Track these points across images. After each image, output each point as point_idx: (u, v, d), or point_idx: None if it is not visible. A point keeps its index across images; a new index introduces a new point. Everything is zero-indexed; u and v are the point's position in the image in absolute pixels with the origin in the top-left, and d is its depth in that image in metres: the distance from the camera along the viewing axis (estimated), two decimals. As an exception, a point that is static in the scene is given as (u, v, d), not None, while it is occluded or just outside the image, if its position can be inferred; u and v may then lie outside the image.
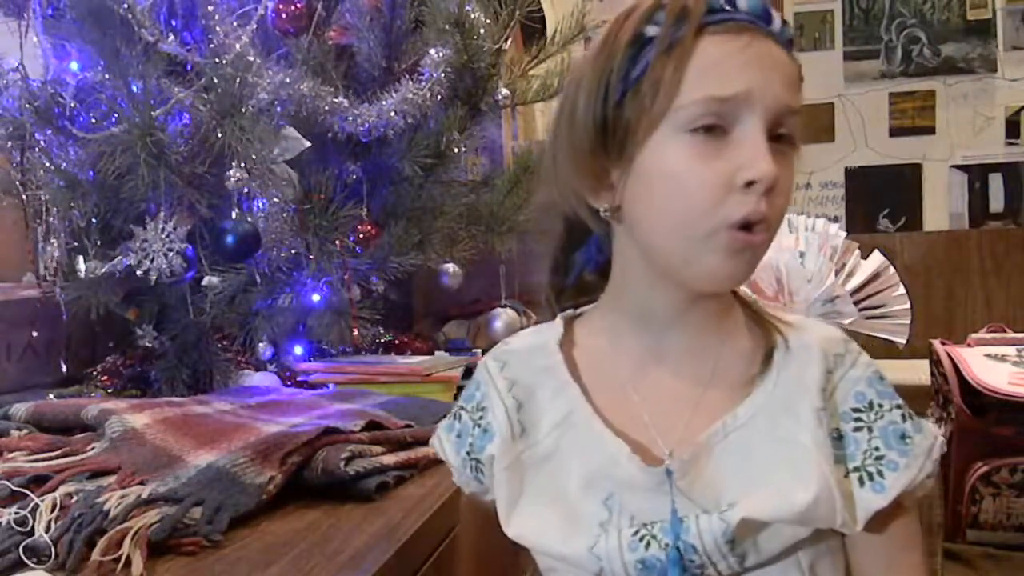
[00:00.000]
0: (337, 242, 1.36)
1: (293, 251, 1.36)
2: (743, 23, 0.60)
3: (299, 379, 1.38)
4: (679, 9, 0.60)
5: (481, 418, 0.69)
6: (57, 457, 0.85)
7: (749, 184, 0.58)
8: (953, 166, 2.94)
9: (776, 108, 0.60)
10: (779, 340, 0.65)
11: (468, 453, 0.69)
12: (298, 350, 1.45)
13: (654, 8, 0.61)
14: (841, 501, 0.60)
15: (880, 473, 0.61)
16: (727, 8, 0.60)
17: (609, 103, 0.62)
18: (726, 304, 0.68)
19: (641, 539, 0.60)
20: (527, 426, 0.67)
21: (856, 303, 1.29)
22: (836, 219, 2.91)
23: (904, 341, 1.31)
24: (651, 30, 0.61)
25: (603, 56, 0.62)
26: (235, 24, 1.27)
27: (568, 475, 0.65)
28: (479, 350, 1.62)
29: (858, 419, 0.63)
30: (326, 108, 1.35)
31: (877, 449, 0.62)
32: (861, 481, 0.62)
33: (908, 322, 1.31)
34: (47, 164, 1.28)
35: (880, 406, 0.63)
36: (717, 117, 0.59)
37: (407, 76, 1.44)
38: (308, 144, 1.33)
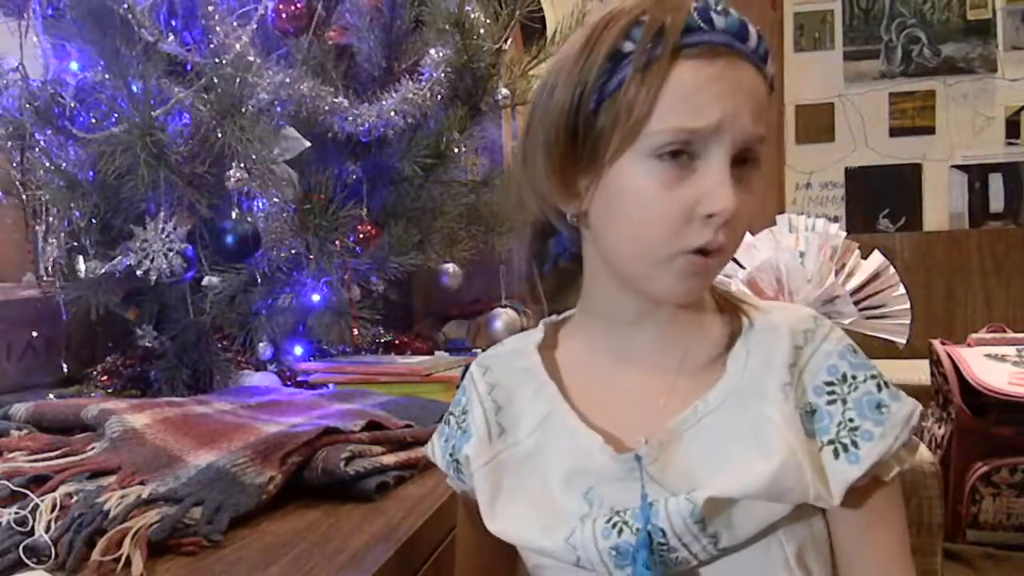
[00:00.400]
0: (337, 242, 1.36)
1: (293, 251, 1.36)
2: (719, 46, 0.60)
3: (299, 379, 1.38)
4: (656, 27, 0.60)
5: (463, 421, 0.72)
6: (57, 457, 0.85)
7: (710, 216, 0.60)
8: (953, 166, 2.93)
9: (743, 139, 0.60)
10: (745, 322, 0.67)
11: (451, 455, 0.72)
12: (298, 350, 1.45)
13: (632, 23, 0.61)
14: (812, 473, 0.60)
15: (855, 444, 0.62)
16: (704, 27, 0.60)
17: (582, 114, 0.63)
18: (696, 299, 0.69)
19: (614, 526, 0.61)
20: (506, 427, 0.69)
21: (856, 303, 1.29)
22: (836, 219, 2.91)
23: (904, 341, 1.31)
24: (628, 46, 0.61)
25: (580, 64, 0.63)
26: (235, 24, 1.27)
27: (549, 472, 0.66)
28: (479, 350, 1.62)
29: (831, 392, 0.64)
30: (326, 108, 1.35)
31: (851, 420, 0.62)
32: (836, 453, 0.62)
33: (908, 322, 1.31)
34: (47, 164, 1.28)
35: (854, 378, 0.64)
36: (684, 145, 0.60)
37: (407, 76, 1.44)
38: (308, 144, 1.33)
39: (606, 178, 0.63)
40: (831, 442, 0.62)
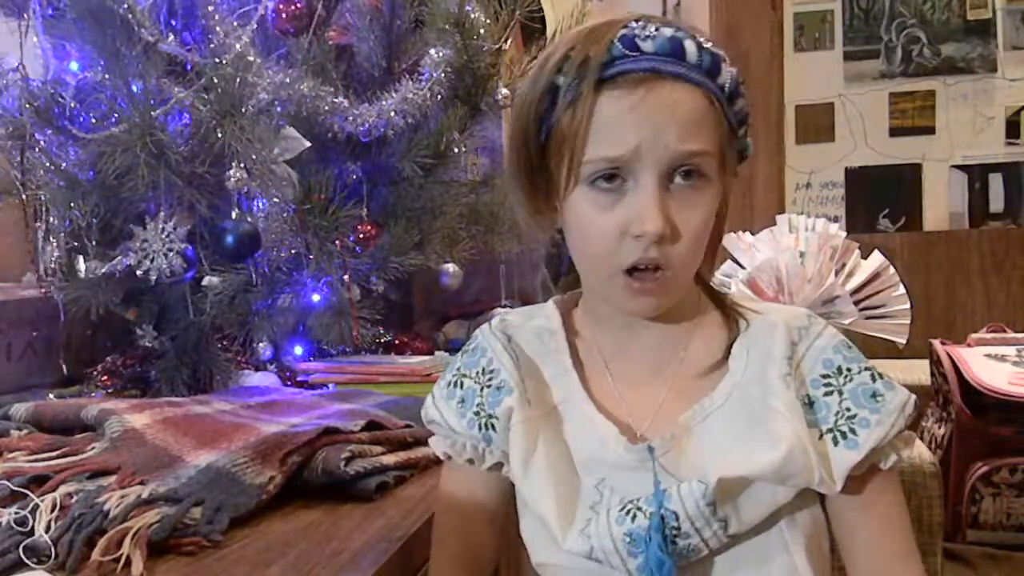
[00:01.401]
0: (337, 242, 1.36)
1: (293, 251, 1.36)
2: (642, 74, 0.62)
3: (299, 379, 1.38)
4: (579, 61, 0.63)
5: (490, 380, 0.71)
6: (57, 457, 0.85)
7: (637, 236, 0.62)
8: (953, 166, 2.93)
9: (669, 158, 0.62)
10: (743, 324, 0.69)
11: (477, 413, 0.71)
12: (298, 350, 1.45)
13: (563, 58, 0.64)
14: (816, 458, 0.62)
15: (853, 431, 0.64)
16: (630, 54, 0.62)
17: (533, 148, 0.67)
18: (692, 302, 0.71)
19: (627, 512, 0.63)
20: (531, 397, 0.70)
21: (856, 303, 1.29)
22: (836, 219, 2.91)
23: (904, 341, 1.31)
24: (560, 80, 0.64)
25: (527, 99, 0.67)
26: (235, 24, 1.27)
27: (566, 456, 0.67)
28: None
29: (827, 384, 0.66)
30: (326, 108, 1.35)
31: (848, 410, 0.65)
32: (835, 441, 0.64)
33: (908, 322, 1.31)
34: (47, 164, 1.28)
35: (848, 370, 0.66)
36: (614, 170, 0.63)
37: (407, 76, 1.44)
38: (308, 144, 1.33)
39: (563, 206, 0.67)
40: (830, 430, 0.65)
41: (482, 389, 0.71)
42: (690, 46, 0.63)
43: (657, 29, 0.63)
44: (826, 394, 0.66)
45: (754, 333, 0.68)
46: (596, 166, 0.63)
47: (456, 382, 0.73)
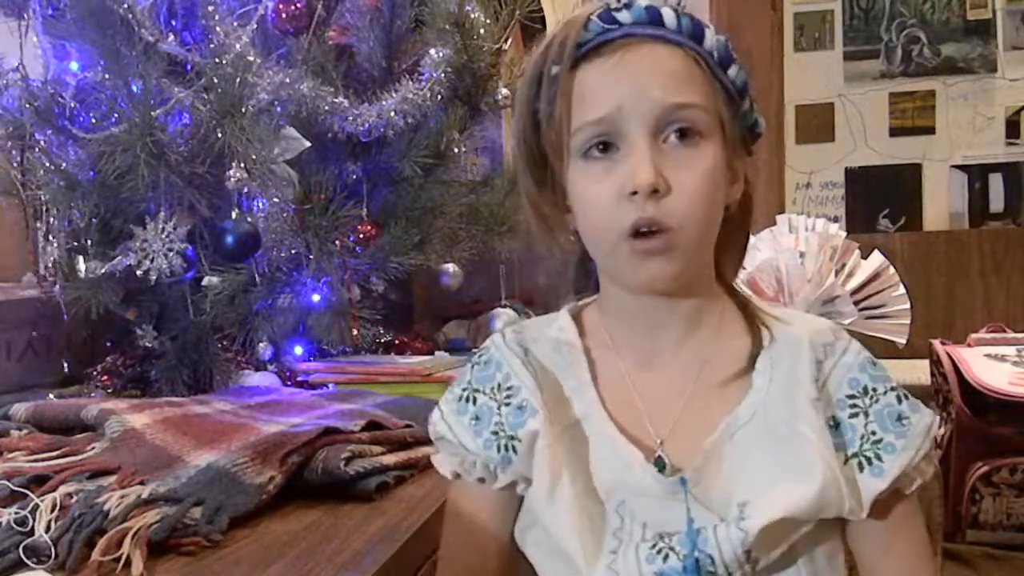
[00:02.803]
0: (337, 242, 1.36)
1: (293, 251, 1.36)
2: (619, 40, 0.63)
3: (299, 379, 1.38)
4: (559, 44, 0.64)
5: (509, 398, 0.68)
6: (57, 457, 0.85)
7: (633, 193, 0.61)
8: (953, 166, 2.93)
9: (656, 111, 0.62)
10: (767, 335, 0.67)
11: (496, 433, 0.67)
12: (298, 350, 1.45)
13: (547, 46, 0.65)
14: (847, 487, 0.61)
15: (878, 457, 0.63)
16: (609, 27, 0.63)
17: (530, 139, 0.67)
18: (713, 302, 0.69)
19: (659, 552, 0.61)
20: (552, 414, 0.67)
21: (856, 303, 1.29)
22: (836, 219, 2.91)
23: (904, 341, 1.31)
24: (544, 69, 0.65)
25: (519, 102, 0.68)
26: (235, 24, 1.27)
27: (588, 481, 0.65)
28: (479, 350, 1.62)
29: (854, 405, 0.64)
30: (326, 108, 1.35)
31: (874, 433, 0.63)
32: (860, 467, 0.63)
33: (908, 322, 1.31)
34: (47, 164, 1.28)
35: (875, 390, 0.65)
36: (603, 137, 0.63)
37: (407, 76, 1.44)
38: (308, 144, 1.33)
39: (568, 185, 0.66)
40: (855, 455, 0.63)
41: (500, 407, 0.68)
42: (667, 12, 0.63)
43: (633, 2, 0.64)
44: (852, 416, 0.64)
45: (779, 348, 0.66)
46: (585, 134, 0.63)
47: (468, 397, 0.70)
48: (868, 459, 0.63)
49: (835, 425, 0.64)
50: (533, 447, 0.66)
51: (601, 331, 0.70)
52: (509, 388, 0.68)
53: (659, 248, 0.62)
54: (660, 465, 0.63)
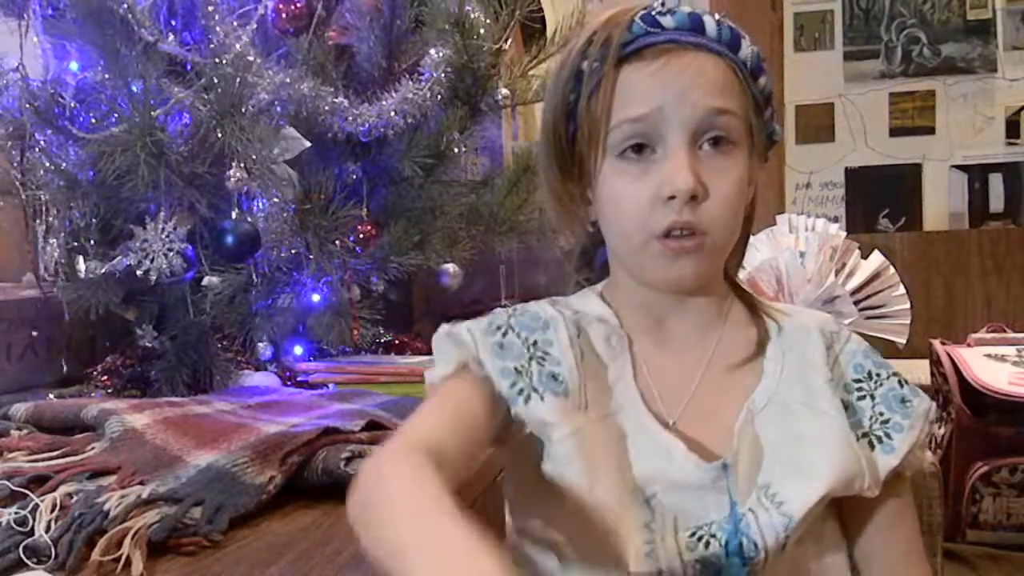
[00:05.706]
0: (337, 242, 1.36)
1: (293, 251, 1.36)
2: (664, 45, 0.63)
3: (299, 379, 1.38)
4: (602, 42, 0.64)
5: (544, 360, 0.66)
6: (57, 457, 0.85)
7: (671, 198, 0.62)
8: (953, 166, 2.93)
9: (697, 116, 0.63)
10: (773, 326, 0.70)
11: (519, 372, 0.65)
12: (298, 350, 1.45)
13: (586, 43, 0.66)
14: (865, 462, 0.64)
15: (888, 435, 0.66)
16: (651, 31, 0.64)
17: (562, 134, 0.68)
18: (721, 293, 0.72)
19: (699, 539, 0.63)
20: (590, 401, 0.66)
21: (856, 303, 1.29)
22: (836, 219, 2.91)
23: (904, 341, 1.32)
24: (584, 64, 0.66)
25: (554, 88, 0.68)
26: (235, 24, 1.27)
27: (625, 472, 0.65)
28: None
29: (860, 388, 0.68)
30: (326, 108, 1.35)
31: (882, 414, 0.67)
32: (871, 445, 0.66)
33: (908, 322, 1.31)
34: (47, 164, 1.28)
35: (878, 375, 0.68)
36: (640, 138, 0.64)
37: (407, 76, 1.44)
38: (308, 144, 1.33)
39: (596, 187, 0.67)
40: (865, 435, 0.66)
41: (531, 360, 0.66)
42: (709, 20, 0.65)
43: (677, 6, 0.65)
44: (859, 398, 0.68)
45: (788, 336, 0.69)
46: (622, 132, 0.64)
47: (502, 329, 0.67)
48: (879, 437, 0.66)
49: (845, 407, 0.67)
50: (549, 434, 0.64)
51: (619, 312, 0.71)
52: (547, 353, 0.66)
53: (692, 248, 0.64)
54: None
